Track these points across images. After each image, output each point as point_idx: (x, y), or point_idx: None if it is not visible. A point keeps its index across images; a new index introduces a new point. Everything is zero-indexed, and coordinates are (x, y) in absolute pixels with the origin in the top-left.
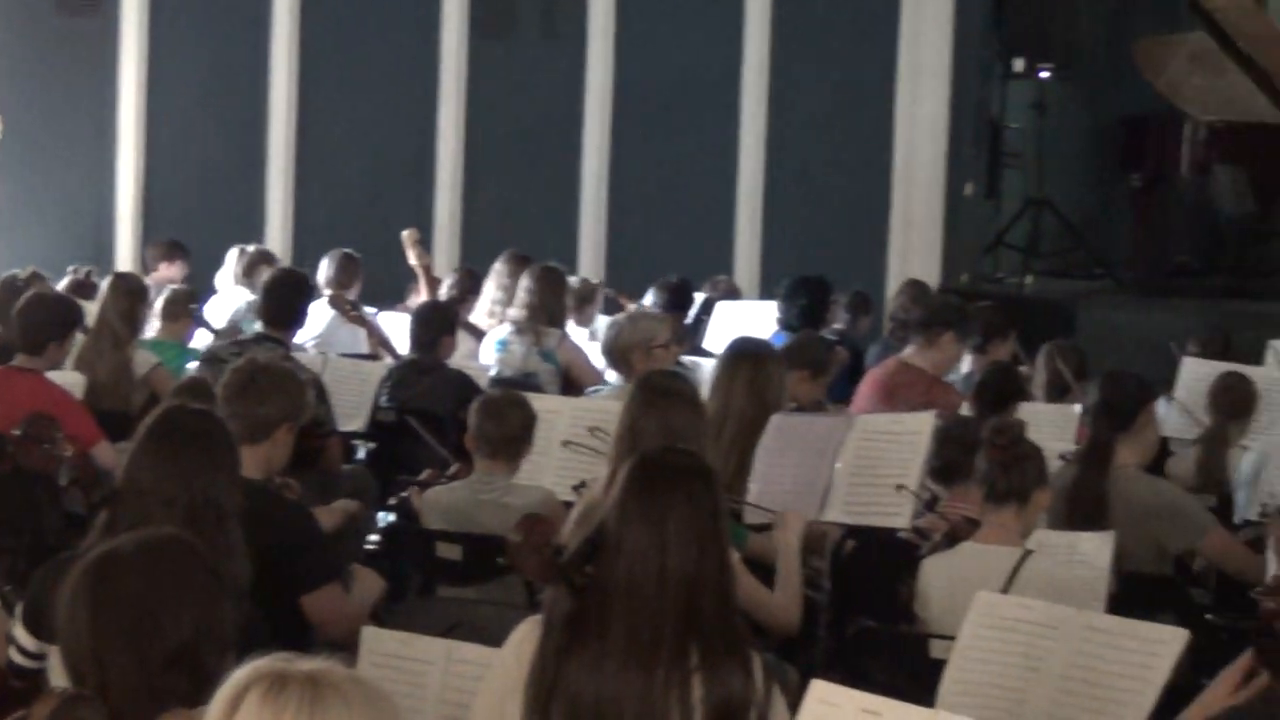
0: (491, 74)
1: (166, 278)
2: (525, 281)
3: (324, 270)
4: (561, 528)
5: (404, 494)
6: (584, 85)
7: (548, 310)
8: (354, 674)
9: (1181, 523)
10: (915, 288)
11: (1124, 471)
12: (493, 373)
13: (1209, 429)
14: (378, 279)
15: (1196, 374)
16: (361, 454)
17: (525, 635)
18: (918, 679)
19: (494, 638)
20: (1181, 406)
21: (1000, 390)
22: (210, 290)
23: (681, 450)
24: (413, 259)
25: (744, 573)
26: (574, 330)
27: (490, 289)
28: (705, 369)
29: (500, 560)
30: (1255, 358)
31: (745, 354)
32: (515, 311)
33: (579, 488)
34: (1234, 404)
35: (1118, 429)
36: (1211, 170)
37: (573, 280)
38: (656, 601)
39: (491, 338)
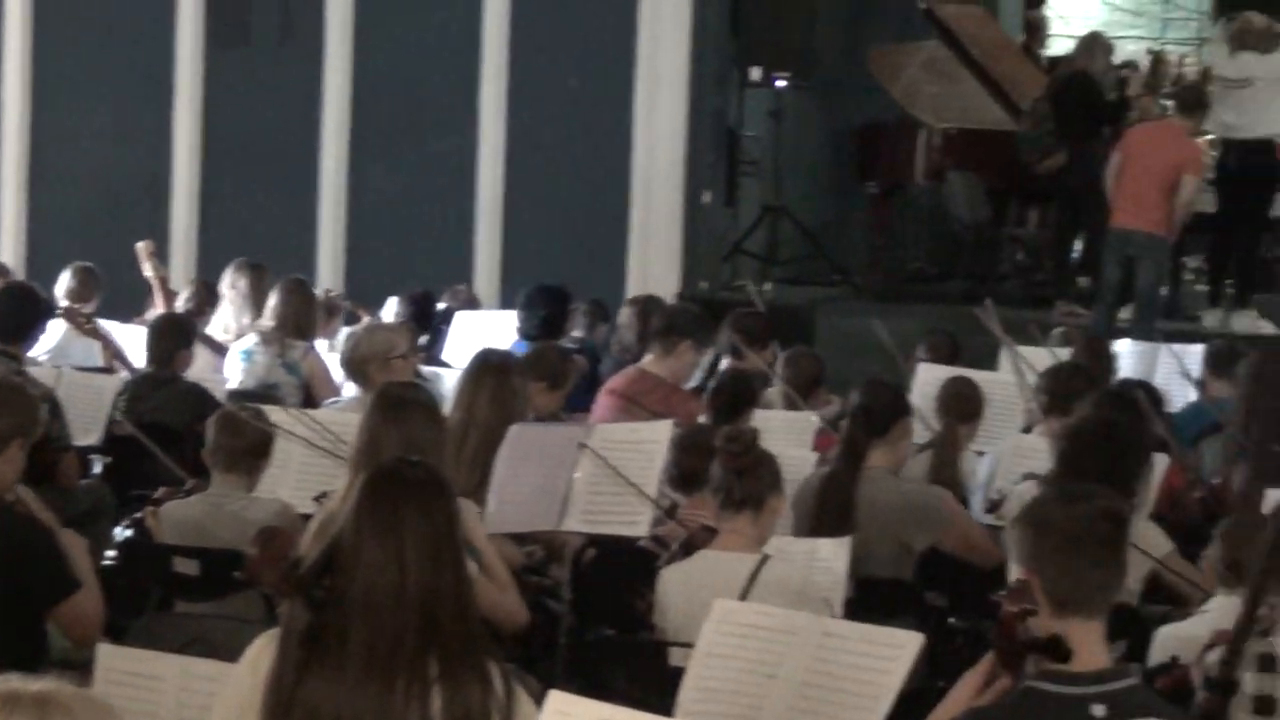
0: (227, 83)
1: None
2: (275, 293)
3: (63, 283)
4: (299, 540)
5: (138, 515)
6: (321, 94)
7: (297, 322)
8: (83, 692)
9: (924, 517)
10: (639, 304)
11: (870, 473)
12: (235, 383)
13: (939, 433)
14: (114, 291)
15: (929, 379)
16: (98, 468)
17: (261, 649)
18: (657, 687)
19: (231, 653)
20: (920, 408)
21: (734, 397)
22: None
23: (416, 461)
24: (148, 271)
25: (480, 580)
26: (318, 343)
27: (226, 300)
28: (445, 380)
29: (238, 574)
30: (990, 362)
31: (489, 365)
32: (264, 322)
33: (319, 499)
34: (963, 408)
35: (873, 435)
36: (946, 177)
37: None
38: (394, 614)
39: (237, 348)
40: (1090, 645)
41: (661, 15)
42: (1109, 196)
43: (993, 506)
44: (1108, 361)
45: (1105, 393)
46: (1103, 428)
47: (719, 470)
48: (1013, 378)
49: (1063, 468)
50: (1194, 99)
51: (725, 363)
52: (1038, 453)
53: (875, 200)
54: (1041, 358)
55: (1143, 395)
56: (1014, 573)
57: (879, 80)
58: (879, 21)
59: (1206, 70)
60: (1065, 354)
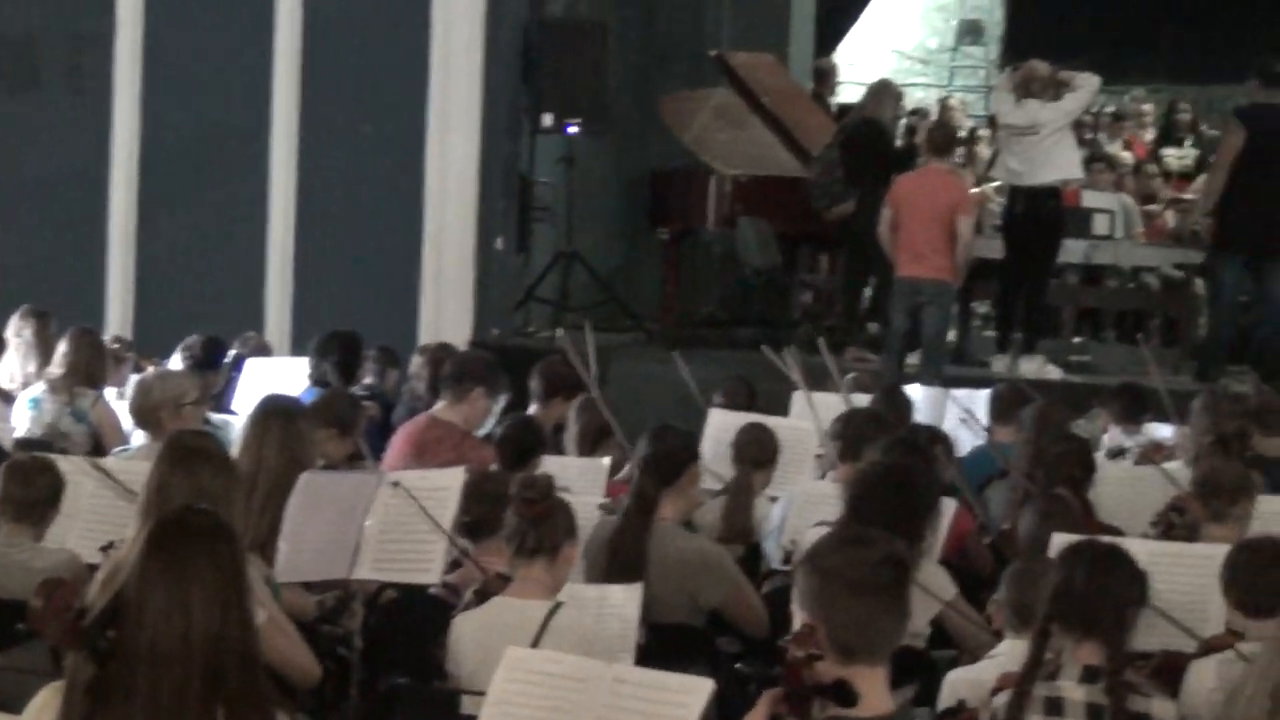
0: (14, 128)
1: None
2: (63, 341)
3: None
4: (85, 590)
5: None
6: (110, 140)
7: (87, 370)
8: None
9: (713, 578)
10: (431, 351)
11: (662, 525)
12: (22, 432)
13: (734, 479)
14: None
15: (723, 425)
16: None
17: (46, 702)
18: None
19: (16, 705)
20: (713, 454)
21: (520, 444)
22: None
23: (202, 510)
24: None
25: (275, 631)
26: (107, 390)
27: (11, 348)
28: (234, 427)
29: (22, 626)
30: (781, 408)
31: (276, 411)
32: (53, 370)
33: (106, 549)
34: (758, 454)
35: (663, 484)
36: (737, 223)
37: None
38: (180, 664)
39: (24, 396)
40: (875, 690)
41: (453, 62)
42: (886, 249)
43: (787, 558)
44: (904, 408)
45: (893, 439)
46: (890, 474)
47: (514, 517)
48: (806, 423)
49: (851, 514)
50: (944, 140)
51: (533, 409)
52: (829, 499)
53: (667, 246)
54: (835, 404)
55: (929, 440)
56: (799, 618)
57: (670, 127)
58: (670, 68)
59: (993, 117)
60: (860, 399)
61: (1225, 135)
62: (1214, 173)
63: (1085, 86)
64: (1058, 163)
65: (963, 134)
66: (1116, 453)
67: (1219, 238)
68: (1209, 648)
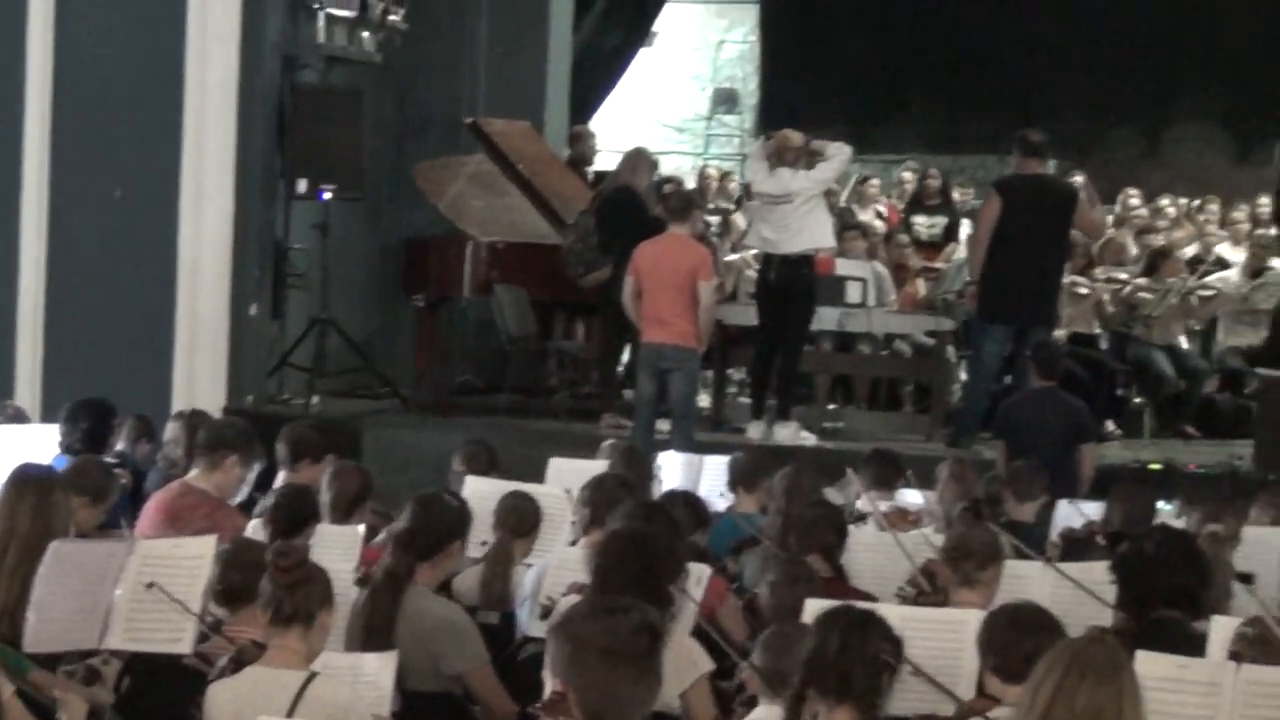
0: None
1: None
2: None
3: None
4: None
5: None
6: None
7: None
8: None
9: (456, 647)
10: (185, 418)
11: (415, 589)
12: None
13: (494, 546)
14: None
15: (478, 491)
16: None
17: None
18: None
19: None
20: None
21: (294, 513)
22: None
23: None
24: None
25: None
26: None
27: None
28: None
29: None
30: (537, 474)
31: (29, 479)
32: None
33: None
34: (519, 523)
35: (420, 558)
36: (493, 290)
37: None
38: None
39: None
40: None
41: (207, 126)
42: (631, 316)
43: (545, 613)
44: (646, 472)
45: (635, 505)
46: (632, 540)
47: (269, 585)
48: (562, 491)
49: (597, 580)
50: (682, 204)
51: (282, 475)
52: (582, 565)
53: (422, 313)
54: (594, 470)
55: (684, 505)
56: (550, 684)
57: (425, 193)
58: (425, 135)
59: (748, 186)
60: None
61: (984, 206)
62: (974, 243)
63: (837, 156)
64: (811, 231)
65: (726, 204)
66: (861, 516)
67: (982, 307)
68: (966, 712)
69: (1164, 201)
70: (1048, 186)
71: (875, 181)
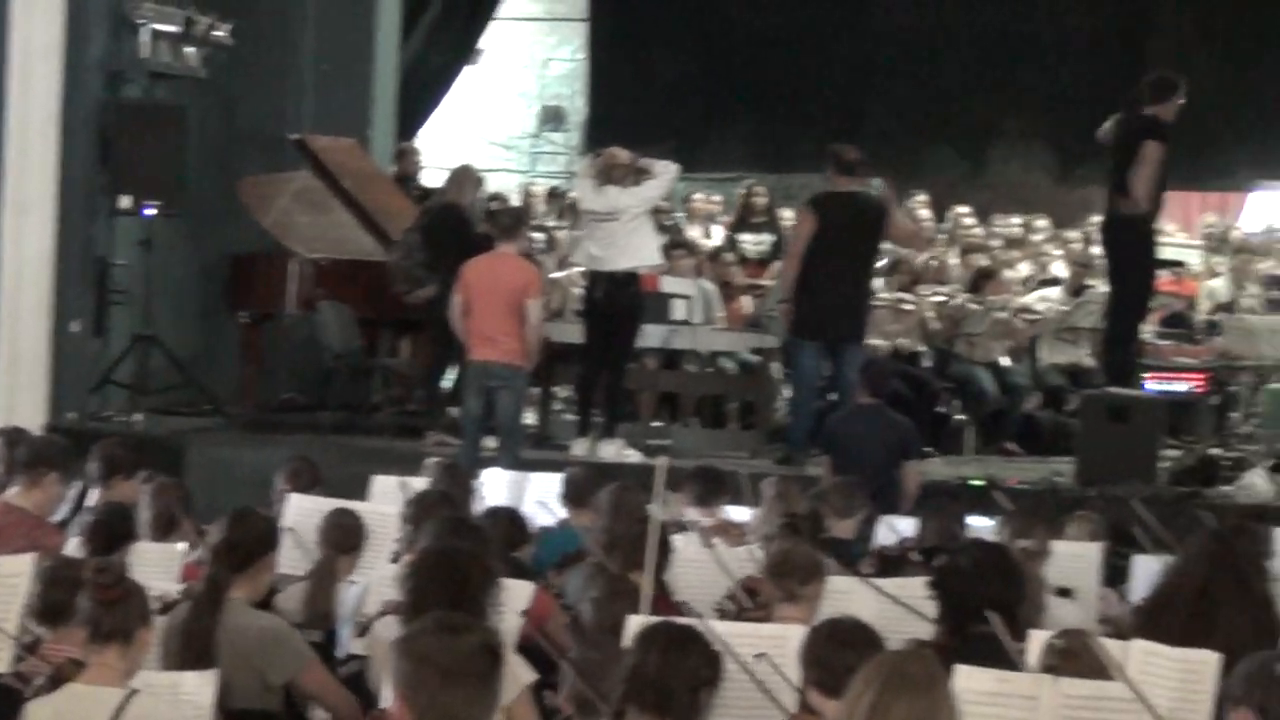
0: None
1: None
2: None
3: None
4: None
5: None
6: None
7: None
8: None
9: (281, 653)
10: (5, 436)
11: (232, 604)
12: None
13: (318, 564)
14: None
15: (302, 509)
16: None
17: None
18: None
19: None
20: (295, 539)
21: (112, 530)
22: None
23: None
24: None
25: None
26: None
27: None
28: None
29: None
30: (361, 492)
31: None
32: None
33: None
34: (344, 540)
35: (236, 570)
36: (318, 307)
37: None
38: None
39: None
40: None
41: (29, 142)
42: (459, 334)
43: (361, 631)
44: (468, 489)
45: (445, 521)
46: (443, 557)
47: (87, 602)
48: (389, 508)
49: (410, 598)
50: (511, 222)
51: (95, 493)
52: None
53: (246, 330)
54: (417, 487)
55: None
56: (386, 700)
57: (250, 210)
58: (250, 151)
59: (574, 203)
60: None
61: (798, 223)
62: (788, 260)
63: (664, 174)
64: (637, 248)
65: (547, 221)
66: (683, 526)
67: (796, 324)
68: None
69: (998, 221)
70: (861, 203)
71: (718, 198)
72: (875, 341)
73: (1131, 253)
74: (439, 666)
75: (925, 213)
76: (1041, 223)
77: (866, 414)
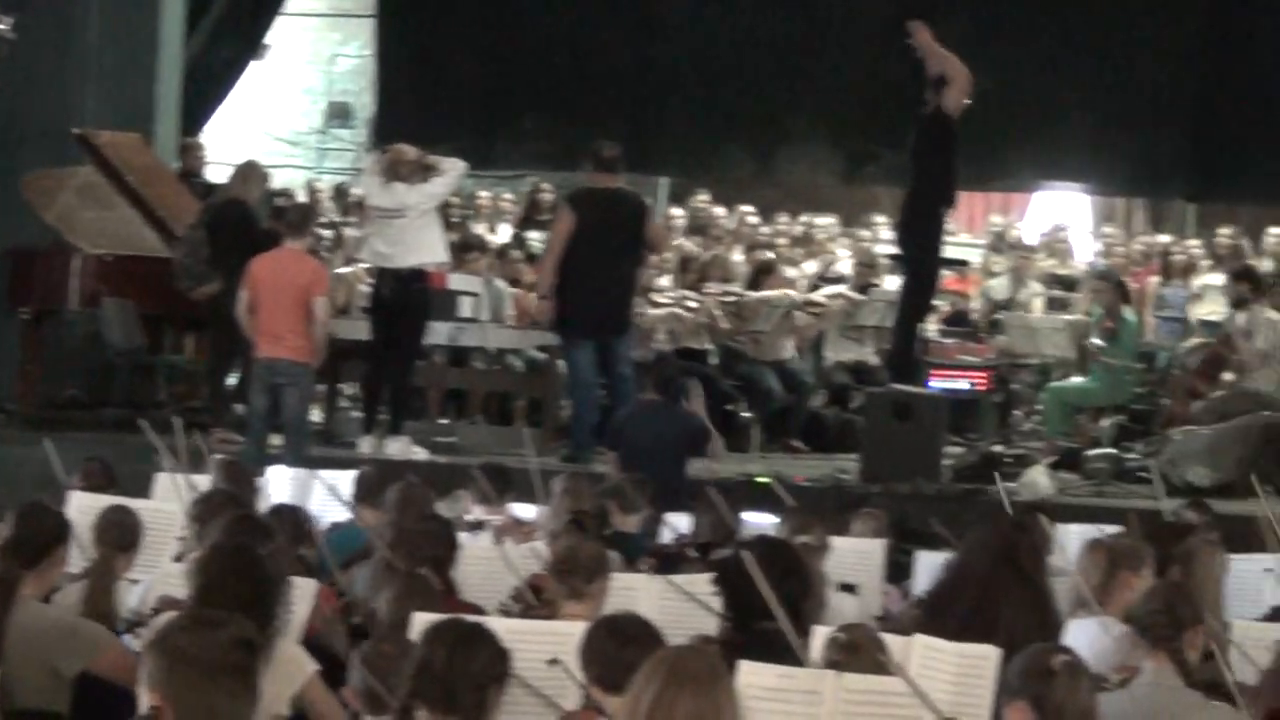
0: None
1: None
2: None
3: None
4: None
5: None
6: None
7: None
8: None
9: (73, 642)
10: None
11: (20, 601)
12: None
13: (95, 563)
14: None
15: (83, 506)
16: None
17: None
18: None
19: None
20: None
21: None
22: None
23: None
24: None
25: None
26: None
27: None
28: None
29: None
30: (142, 489)
31: None
32: None
33: None
34: (119, 537)
35: (26, 566)
36: (101, 303)
37: None
38: None
39: None
40: None
41: None
42: (246, 330)
43: (129, 627)
44: (251, 487)
45: (233, 519)
46: (234, 554)
47: None
48: (171, 505)
49: (197, 596)
50: (299, 219)
51: None
52: (183, 581)
53: (27, 326)
54: (202, 485)
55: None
56: (146, 699)
57: (32, 205)
58: (33, 146)
59: (361, 200)
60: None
61: (556, 220)
62: (546, 257)
63: (452, 171)
64: (424, 245)
65: (333, 217)
66: (476, 524)
67: (565, 322)
68: None
69: (783, 219)
70: (621, 199)
71: (508, 196)
72: (661, 340)
73: (924, 249)
74: (194, 662)
75: (720, 210)
76: (823, 221)
77: (654, 411)
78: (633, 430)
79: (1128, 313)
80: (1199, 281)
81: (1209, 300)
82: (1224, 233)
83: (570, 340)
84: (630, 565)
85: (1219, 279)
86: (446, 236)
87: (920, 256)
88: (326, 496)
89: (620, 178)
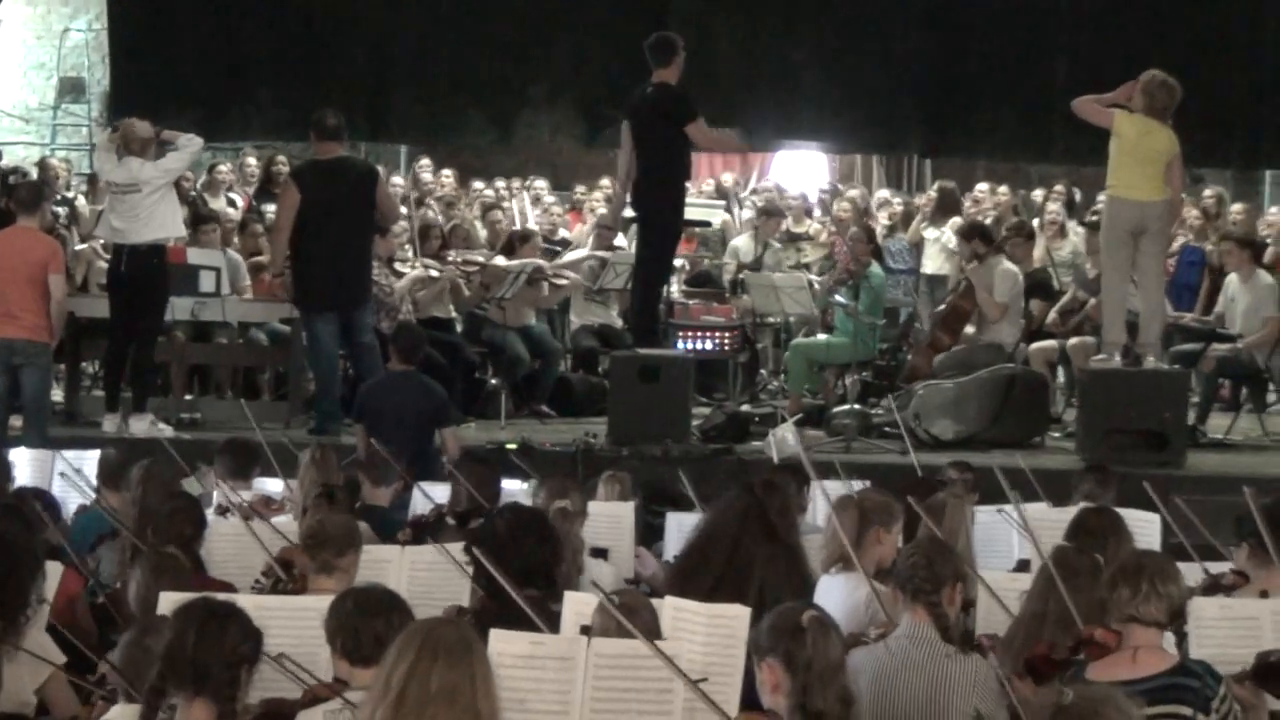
0: None
1: None
2: None
3: None
4: None
5: None
6: None
7: None
8: None
9: None
10: None
11: None
12: None
13: None
14: None
15: None
16: None
17: None
18: None
19: None
20: None
21: None
22: None
23: None
24: None
25: None
26: None
27: None
28: None
29: None
30: None
31: None
32: None
33: None
34: None
35: None
36: None
37: None
38: None
39: None
40: None
41: None
42: None
43: None
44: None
45: None
46: None
47: None
48: None
49: None
50: (31, 196)
51: None
52: None
53: None
54: None
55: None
56: None
57: None
58: None
59: (94, 175)
60: None
61: (282, 196)
62: (275, 233)
63: (188, 147)
64: (161, 220)
65: (68, 194)
66: (224, 509)
67: (302, 296)
68: (312, 698)
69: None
70: (348, 168)
71: (252, 162)
72: (406, 309)
73: (656, 213)
74: None
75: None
76: (541, 183)
77: (400, 381)
78: (379, 401)
79: (875, 267)
80: (929, 235)
81: (930, 255)
82: (934, 188)
83: (310, 313)
84: (384, 539)
85: (935, 233)
86: (183, 210)
87: (656, 221)
88: (71, 478)
89: (344, 145)
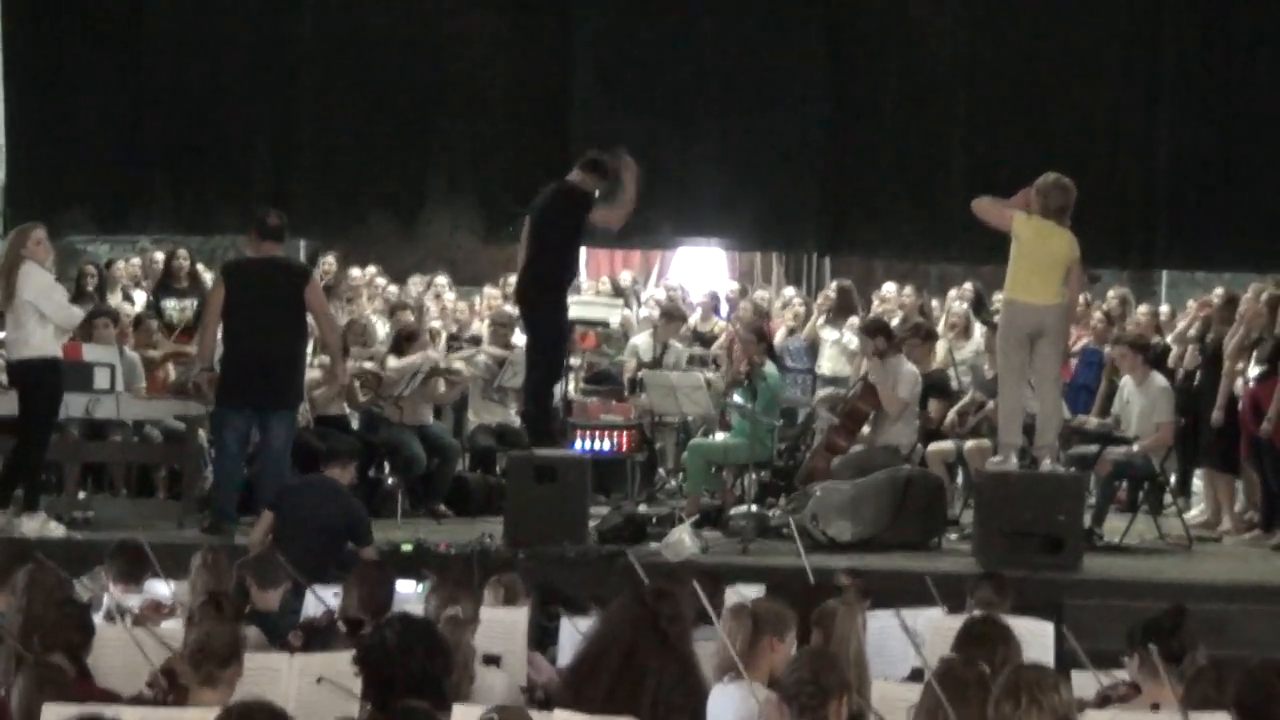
0: None
1: None
2: None
3: None
4: None
5: None
6: None
7: None
8: None
9: None
10: None
11: None
12: None
13: None
14: None
15: None
16: None
17: None
18: None
19: None
20: None
21: None
22: None
23: None
24: None
25: None
26: None
27: None
28: None
29: None
30: None
31: None
32: None
33: None
34: None
35: None
36: None
37: None
38: None
39: None
40: None
41: None
42: None
43: None
44: None
45: None
46: None
47: None
48: None
49: None
50: None
51: None
52: None
53: None
54: None
55: None
56: None
57: None
58: None
59: None
60: None
61: (212, 291)
62: (203, 329)
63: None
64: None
65: None
66: (113, 614)
67: (219, 389)
68: None
69: (414, 280)
70: (279, 268)
71: (136, 262)
72: (303, 408)
73: (544, 313)
74: None
75: (357, 271)
76: (442, 279)
77: (322, 488)
78: (296, 501)
79: (770, 368)
80: (826, 335)
81: (828, 355)
82: (832, 288)
83: (221, 406)
84: (275, 644)
85: (834, 333)
86: (80, 308)
87: (542, 321)
88: None
89: (281, 246)
